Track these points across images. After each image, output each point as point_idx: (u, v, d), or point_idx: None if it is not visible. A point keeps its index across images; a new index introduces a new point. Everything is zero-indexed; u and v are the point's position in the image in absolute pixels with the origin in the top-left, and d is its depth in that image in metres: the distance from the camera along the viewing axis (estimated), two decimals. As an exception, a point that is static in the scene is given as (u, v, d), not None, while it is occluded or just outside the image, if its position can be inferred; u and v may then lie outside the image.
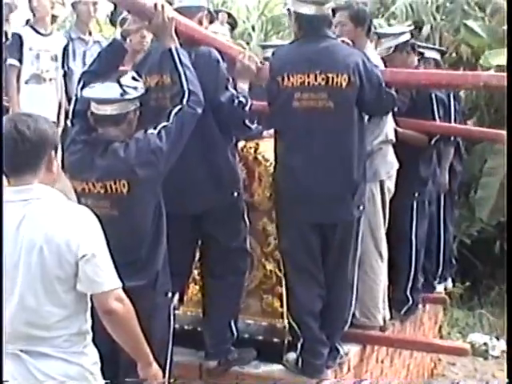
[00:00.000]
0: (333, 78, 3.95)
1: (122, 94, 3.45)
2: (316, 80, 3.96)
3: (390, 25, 9.32)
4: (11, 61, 5.96)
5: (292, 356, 4.29)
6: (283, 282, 4.39)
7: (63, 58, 6.25)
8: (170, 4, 3.87)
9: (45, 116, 2.82)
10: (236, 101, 3.90)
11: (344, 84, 3.96)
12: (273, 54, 4.34)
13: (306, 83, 3.96)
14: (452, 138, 6.01)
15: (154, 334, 3.37)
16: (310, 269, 4.17)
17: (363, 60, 4.07)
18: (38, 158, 2.68)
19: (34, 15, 6.18)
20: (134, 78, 3.61)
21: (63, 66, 6.28)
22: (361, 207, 4.20)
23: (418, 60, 5.67)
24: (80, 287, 2.67)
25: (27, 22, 6.28)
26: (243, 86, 4.01)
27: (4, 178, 2.72)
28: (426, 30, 9.76)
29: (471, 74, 4.92)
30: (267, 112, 4.20)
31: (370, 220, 4.61)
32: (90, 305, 2.76)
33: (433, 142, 5.49)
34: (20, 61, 5.98)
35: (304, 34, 4.09)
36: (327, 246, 4.21)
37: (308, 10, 4.01)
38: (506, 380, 3.68)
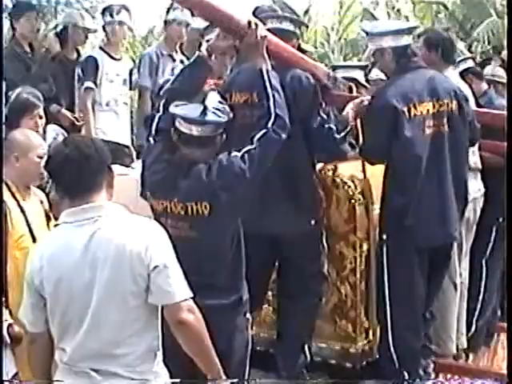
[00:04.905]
0: (447, 104, 4.15)
1: (211, 117, 3.40)
2: (434, 107, 4.12)
3: (470, 50, 9.24)
4: (88, 84, 5.95)
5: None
6: (358, 307, 4.38)
7: (151, 74, 6.27)
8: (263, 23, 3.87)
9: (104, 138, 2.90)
10: (326, 126, 3.94)
11: (455, 109, 4.16)
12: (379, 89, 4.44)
13: (431, 111, 4.12)
14: None
15: (233, 354, 3.39)
16: (421, 296, 4.22)
17: (459, 87, 4.33)
18: (103, 175, 2.75)
19: (108, 38, 6.28)
20: (220, 102, 3.56)
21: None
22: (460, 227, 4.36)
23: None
24: (152, 299, 2.69)
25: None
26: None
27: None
28: (504, 53, 9.63)
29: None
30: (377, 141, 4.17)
31: None
32: (160, 320, 2.77)
33: None
34: (95, 83, 6.02)
35: (403, 67, 4.18)
36: (433, 270, 4.25)
37: (405, 41, 4.15)
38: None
